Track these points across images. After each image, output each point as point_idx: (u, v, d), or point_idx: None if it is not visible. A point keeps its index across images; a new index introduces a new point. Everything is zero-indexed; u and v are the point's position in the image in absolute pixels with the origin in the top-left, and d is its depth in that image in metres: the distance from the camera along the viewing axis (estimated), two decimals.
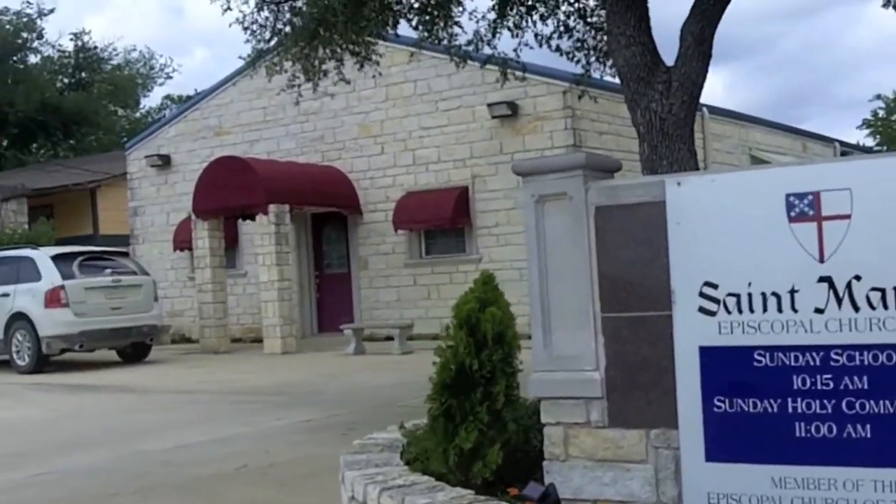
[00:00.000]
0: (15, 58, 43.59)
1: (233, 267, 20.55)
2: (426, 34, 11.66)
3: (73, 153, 45.50)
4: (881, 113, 48.59)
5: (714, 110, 22.20)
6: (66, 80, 46.30)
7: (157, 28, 73.19)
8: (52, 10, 45.13)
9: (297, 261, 19.94)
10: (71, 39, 45.99)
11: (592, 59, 11.50)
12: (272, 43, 11.88)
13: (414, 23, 11.46)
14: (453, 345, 5.67)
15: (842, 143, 29.66)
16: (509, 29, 11.78)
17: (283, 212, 18.04)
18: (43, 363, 16.31)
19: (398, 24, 11.50)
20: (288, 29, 11.58)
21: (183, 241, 21.33)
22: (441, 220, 18.36)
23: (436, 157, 18.81)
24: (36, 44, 44.54)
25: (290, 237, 18.38)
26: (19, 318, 16.40)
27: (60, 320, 16.11)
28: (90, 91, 45.77)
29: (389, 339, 18.19)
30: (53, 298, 16.12)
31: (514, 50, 11.97)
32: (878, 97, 48.49)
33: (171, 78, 53.45)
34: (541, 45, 12.02)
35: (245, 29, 11.78)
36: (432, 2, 11.32)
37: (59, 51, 45.55)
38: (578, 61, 11.60)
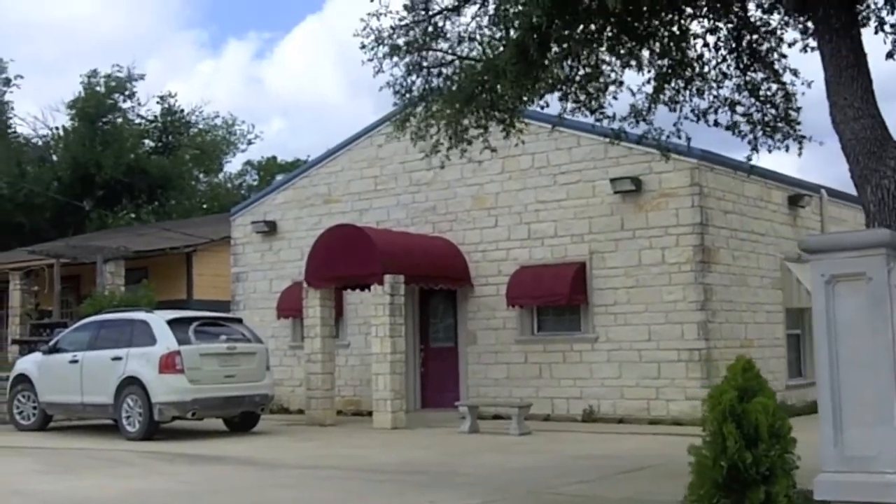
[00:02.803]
0: (105, 119, 44.24)
1: (335, 337, 20.12)
2: (575, 105, 11.32)
3: (154, 217, 45.89)
4: None
5: (832, 193, 21.58)
6: (152, 144, 46.86)
7: (238, 96, 74.38)
8: (142, 76, 45.61)
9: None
10: (158, 102, 46.73)
11: (759, 133, 11.05)
12: (419, 108, 11.67)
13: (565, 91, 11.12)
14: (710, 440, 5.14)
15: None
16: (665, 104, 11.44)
17: (398, 283, 17.67)
18: (154, 430, 15.96)
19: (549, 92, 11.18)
20: (438, 92, 11.39)
21: (287, 308, 21.07)
22: (557, 297, 17.86)
23: (552, 231, 18.38)
24: (126, 104, 45.21)
25: (403, 309, 17.96)
26: (131, 383, 16.08)
27: (174, 387, 15.79)
28: (176, 155, 46.23)
29: (498, 417, 17.66)
30: (168, 364, 15.82)
31: (675, 124, 11.57)
32: None
33: (252, 144, 53.95)
34: (698, 121, 11.66)
35: (395, 93, 11.61)
36: (583, 72, 10.99)
37: (140, 116, 46.19)
38: (744, 136, 11.16)
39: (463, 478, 11.37)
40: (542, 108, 11.11)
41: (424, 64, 11.50)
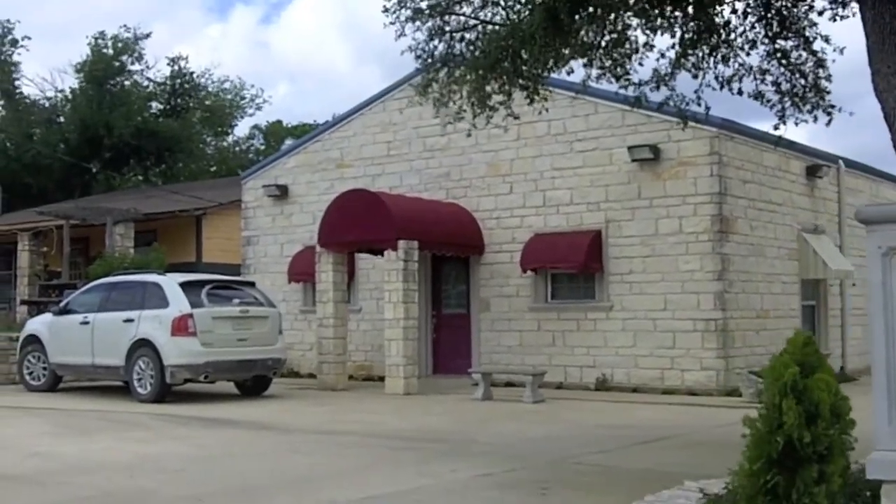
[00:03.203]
0: (113, 81, 43.94)
1: (347, 302, 19.97)
2: (601, 71, 11.09)
3: (161, 179, 45.70)
4: None
5: (849, 163, 21.38)
6: (161, 106, 46.56)
7: (245, 61, 73.91)
8: (148, 35, 45.19)
9: None
10: (168, 64, 46.36)
11: (787, 103, 10.83)
12: (441, 74, 11.48)
13: (590, 57, 10.88)
14: (765, 413, 4.98)
15: None
16: (688, 70, 11.21)
17: (412, 248, 17.52)
18: (165, 392, 15.88)
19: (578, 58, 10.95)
20: (461, 58, 11.20)
21: (298, 273, 20.97)
22: (573, 264, 17.71)
23: (568, 198, 18.20)
24: (135, 67, 44.86)
25: (416, 275, 17.81)
26: (143, 345, 16.00)
27: (187, 349, 15.70)
28: (185, 117, 45.93)
29: (510, 384, 17.59)
30: (181, 327, 15.72)
31: (695, 92, 11.34)
32: None
33: (260, 109, 53.57)
34: (721, 89, 11.43)
35: (417, 57, 11.42)
36: (609, 38, 10.77)
37: (148, 79, 45.81)
38: (771, 106, 10.94)
39: (481, 446, 11.28)
40: (569, 73, 10.84)
41: (447, 28, 11.29)
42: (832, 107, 10.92)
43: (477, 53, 10.92)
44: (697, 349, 16.73)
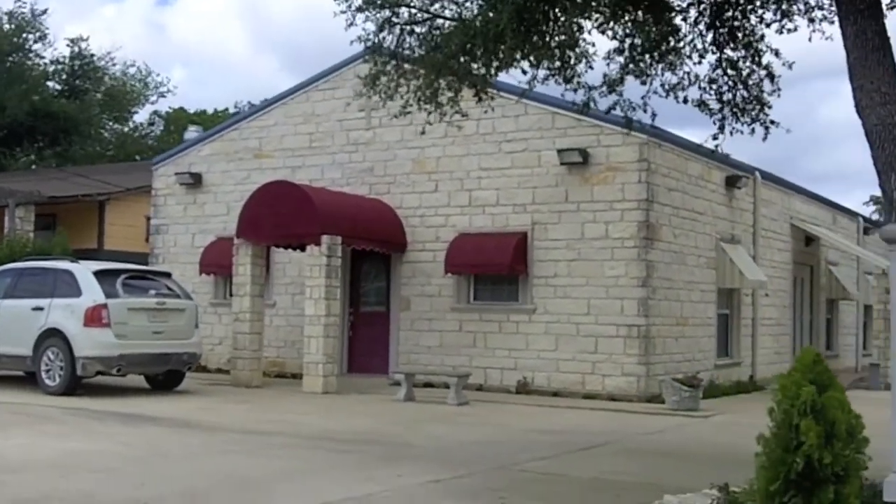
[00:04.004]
0: (11, 58, 42.24)
1: (262, 297, 19.45)
2: (549, 73, 10.98)
3: (55, 161, 44.10)
4: None
5: (765, 175, 21.74)
6: (59, 87, 44.95)
7: (140, 42, 72.09)
8: (44, 11, 43.68)
9: None
10: (68, 45, 44.81)
11: (728, 114, 10.86)
12: (388, 67, 11.23)
13: (538, 58, 10.74)
14: (778, 432, 4.86)
15: (865, 220, 29.60)
16: (637, 76, 11.17)
17: (335, 244, 17.14)
18: (75, 385, 15.22)
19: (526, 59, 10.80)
20: (410, 52, 10.99)
21: (210, 264, 20.38)
22: (498, 266, 17.57)
23: (494, 199, 18.03)
24: (37, 45, 43.22)
25: (339, 271, 17.43)
26: (53, 335, 15.30)
27: (100, 341, 15.06)
28: (84, 100, 44.42)
29: (429, 385, 17.42)
30: (94, 317, 15.06)
31: (643, 98, 11.29)
32: None
33: (164, 97, 52.14)
34: (667, 96, 11.40)
35: (367, 48, 11.16)
36: (559, 40, 10.65)
37: (40, 56, 44.11)
38: (713, 115, 10.95)
39: (417, 449, 11.04)
40: (524, 73, 10.64)
41: (395, 20, 11.04)
42: (773, 122, 10.99)
43: (430, 49, 10.71)
44: (619, 354, 16.75)
